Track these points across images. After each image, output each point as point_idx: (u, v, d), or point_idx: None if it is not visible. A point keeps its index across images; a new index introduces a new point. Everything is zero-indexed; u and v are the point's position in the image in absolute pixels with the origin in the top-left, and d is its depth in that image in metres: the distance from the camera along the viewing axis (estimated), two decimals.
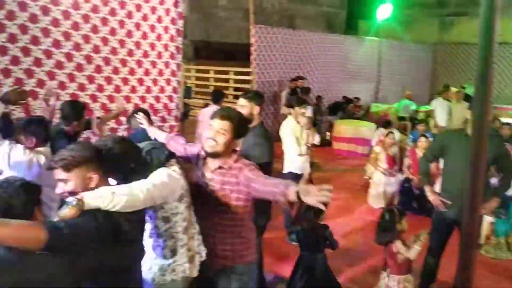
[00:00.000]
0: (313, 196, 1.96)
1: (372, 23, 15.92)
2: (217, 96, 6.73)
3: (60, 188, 1.92)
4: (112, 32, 5.20)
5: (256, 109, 3.46)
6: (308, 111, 5.56)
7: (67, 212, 1.78)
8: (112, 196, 1.88)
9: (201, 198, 2.57)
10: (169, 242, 2.44)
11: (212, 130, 2.47)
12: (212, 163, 2.55)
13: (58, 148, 3.67)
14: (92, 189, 1.91)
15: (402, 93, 11.77)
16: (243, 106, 3.46)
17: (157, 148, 2.43)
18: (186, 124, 6.62)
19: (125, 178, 2.13)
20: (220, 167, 2.52)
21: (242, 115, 2.72)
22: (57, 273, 1.68)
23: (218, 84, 11.07)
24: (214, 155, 2.49)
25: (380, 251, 3.61)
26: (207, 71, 11.51)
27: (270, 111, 10.13)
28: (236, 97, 10.27)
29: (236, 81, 10.65)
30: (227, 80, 10.86)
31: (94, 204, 1.84)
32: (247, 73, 10.12)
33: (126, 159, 2.16)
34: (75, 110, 3.68)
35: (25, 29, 4.52)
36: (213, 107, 6.06)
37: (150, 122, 3.26)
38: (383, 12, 15.22)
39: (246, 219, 2.64)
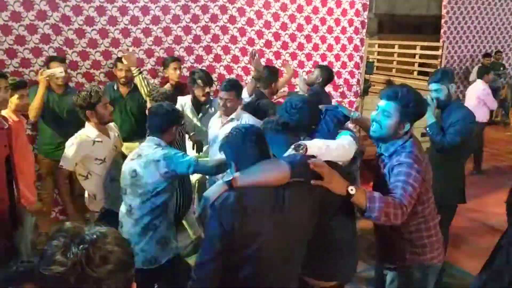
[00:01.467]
0: None
1: None
2: None
3: None
4: (299, 9, 5.39)
5: (451, 87, 3.43)
6: None
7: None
8: (325, 147, 2.14)
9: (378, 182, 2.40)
10: None
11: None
12: (382, 149, 2.32)
13: (262, 107, 4.16)
14: None
15: None
16: (438, 90, 3.40)
17: (331, 110, 2.50)
18: (366, 101, 6.54)
19: (308, 136, 2.33)
20: (381, 154, 2.31)
21: (415, 94, 2.22)
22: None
23: (403, 59, 10.54)
24: (378, 139, 2.31)
25: None
26: (391, 46, 11.03)
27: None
28: (421, 73, 9.73)
29: (422, 56, 10.00)
30: (413, 56, 10.26)
31: (313, 150, 2.09)
32: (435, 48, 9.42)
33: (310, 121, 2.39)
34: (272, 74, 4.43)
35: (243, 11, 5.22)
36: None
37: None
38: None
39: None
